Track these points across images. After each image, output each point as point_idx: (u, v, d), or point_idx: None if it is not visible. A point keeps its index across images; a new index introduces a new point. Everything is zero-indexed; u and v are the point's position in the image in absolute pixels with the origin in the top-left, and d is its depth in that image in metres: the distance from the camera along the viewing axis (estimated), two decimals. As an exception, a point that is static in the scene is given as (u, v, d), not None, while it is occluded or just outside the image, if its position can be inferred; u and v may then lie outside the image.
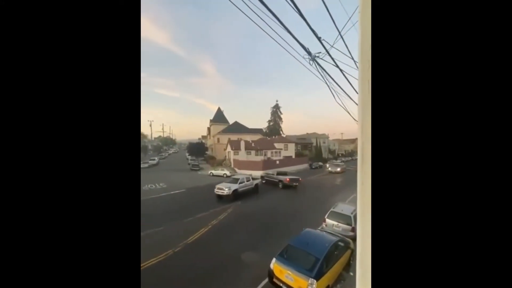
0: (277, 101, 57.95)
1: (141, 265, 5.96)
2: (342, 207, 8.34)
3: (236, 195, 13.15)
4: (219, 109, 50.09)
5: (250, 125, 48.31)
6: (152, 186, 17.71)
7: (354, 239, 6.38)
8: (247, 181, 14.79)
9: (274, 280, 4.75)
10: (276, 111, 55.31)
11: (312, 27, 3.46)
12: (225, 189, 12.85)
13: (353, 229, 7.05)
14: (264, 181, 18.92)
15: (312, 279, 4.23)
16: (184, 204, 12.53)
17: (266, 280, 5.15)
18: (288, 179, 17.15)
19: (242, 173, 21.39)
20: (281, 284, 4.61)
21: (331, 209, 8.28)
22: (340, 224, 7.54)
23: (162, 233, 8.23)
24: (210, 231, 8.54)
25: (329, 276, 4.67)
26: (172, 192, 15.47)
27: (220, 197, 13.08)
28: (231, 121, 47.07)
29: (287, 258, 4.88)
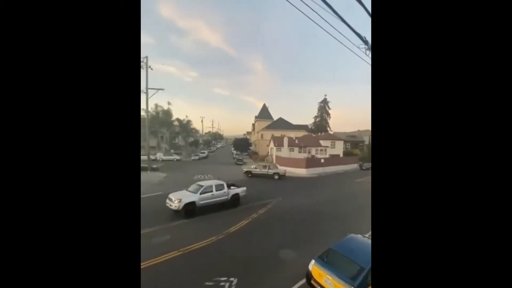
0: (325, 95, 53.54)
1: (187, 248, 6.58)
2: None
3: (189, 211, 8.95)
4: (264, 105, 50.66)
5: (295, 121, 47.03)
6: (201, 176, 19.44)
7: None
8: (219, 190, 10.12)
9: (312, 282, 4.60)
10: (323, 106, 52.03)
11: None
12: (174, 200, 8.92)
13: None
14: (250, 175, 19.81)
15: None
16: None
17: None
18: (284, 172, 19.01)
19: (259, 171, 21.01)
20: (318, 287, 4.42)
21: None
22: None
23: (207, 220, 8.90)
24: (250, 223, 8.74)
25: None
26: (217, 184, 16.59)
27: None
28: (276, 118, 46.89)
29: (327, 262, 4.63)
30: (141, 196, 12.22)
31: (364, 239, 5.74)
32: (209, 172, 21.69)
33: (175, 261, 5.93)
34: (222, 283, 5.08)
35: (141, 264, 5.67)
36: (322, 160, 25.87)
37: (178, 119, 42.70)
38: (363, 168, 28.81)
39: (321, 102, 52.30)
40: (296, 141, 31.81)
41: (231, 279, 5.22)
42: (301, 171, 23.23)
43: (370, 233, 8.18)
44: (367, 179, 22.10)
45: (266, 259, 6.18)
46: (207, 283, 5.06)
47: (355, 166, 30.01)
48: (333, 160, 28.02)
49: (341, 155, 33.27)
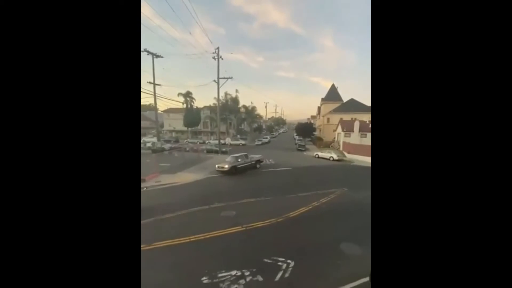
0: None
1: (249, 225, 7.14)
2: None
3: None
4: (333, 85, 46.06)
5: (370, 102, 40.64)
6: (264, 161, 20.29)
7: None
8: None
9: None
10: (409, 82, 41.88)
11: None
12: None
13: None
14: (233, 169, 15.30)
15: None
16: (287, 181, 13.29)
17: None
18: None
19: (353, 158, 18.80)
20: None
21: None
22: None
23: (268, 203, 9.31)
24: (310, 211, 8.50)
25: None
26: (278, 169, 16.92)
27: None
28: (346, 99, 41.89)
29: None
30: (213, 176, 14.12)
31: None
32: (271, 157, 22.28)
33: (238, 235, 6.57)
34: (279, 263, 5.24)
35: (210, 233, 6.65)
36: (405, 149, 21.33)
37: (244, 106, 45.54)
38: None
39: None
40: (370, 126, 27.49)
41: (288, 261, 5.31)
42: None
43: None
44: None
45: (325, 249, 5.88)
46: (265, 260, 5.35)
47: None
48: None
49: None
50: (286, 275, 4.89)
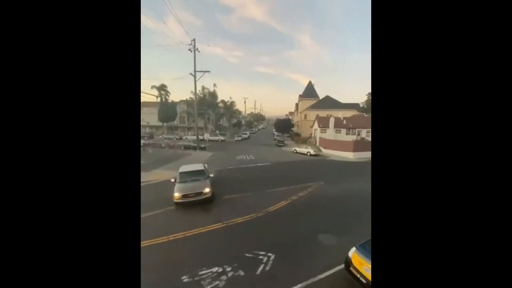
0: None
1: (232, 221, 7.12)
2: None
3: None
4: (309, 83, 47.47)
5: (344, 99, 42.87)
6: (243, 157, 20.31)
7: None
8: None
9: (351, 269, 4.54)
10: (379, 82, 44.96)
11: None
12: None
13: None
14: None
15: None
16: (266, 177, 13.52)
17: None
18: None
19: (328, 153, 19.76)
20: (358, 275, 4.36)
21: None
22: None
23: (249, 198, 9.37)
24: (289, 204, 8.77)
25: None
26: (258, 164, 17.09)
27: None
28: (322, 96, 43.57)
29: (370, 251, 4.36)
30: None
31: None
32: (251, 153, 22.39)
33: (219, 232, 6.54)
34: (260, 257, 5.35)
35: (190, 231, 6.50)
36: (374, 143, 23.13)
37: (222, 101, 44.68)
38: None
39: (376, 77, 45.21)
40: (344, 122, 29.14)
41: (269, 254, 5.44)
42: (348, 155, 21.49)
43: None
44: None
45: (303, 241, 6.15)
46: (247, 255, 5.42)
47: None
48: (388, 143, 24.67)
49: (399, 138, 28.94)
50: (267, 268, 5.02)
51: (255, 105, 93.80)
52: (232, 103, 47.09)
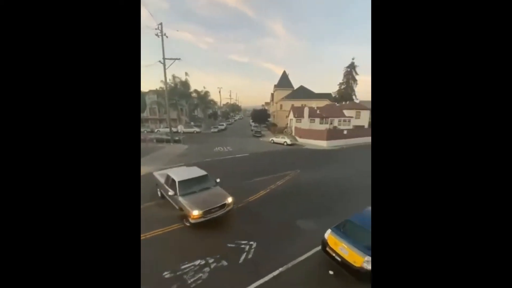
0: (353, 59, 46.83)
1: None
2: None
3: None
4: (284, 73, 47.69)
5: (318, 89, 44.13)
6: (221, 148, 20.00)
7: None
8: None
9: (327, 249, 4.86)
10: (350, 72, 46.95)
11: None
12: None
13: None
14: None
15: (369, 257, 4.08)
16: (245, 168, 13.58)
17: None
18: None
19: (304, 142, 20.47)
20: (334, 255, 4.68)
21: None
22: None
23: (228, 190, 9.35)
24: (268, 194, 9.00)
25: None
26: (237, 156, 17.03)
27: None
28: (297, 86, 44.32)
29: (344, 232, 4.82)
30: (165, 167, 13.12)
31: None
32: (228, 145, 22.16)
33: (199, 225, 6.45)
34: (242, 246, 5.46)
35: (169, 227, 6.29)
36: (345, 132, 24.69)
37: (196, 91, 42.71)
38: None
39: (347, 67, 47.03)
40: (318, 111, 30.35)
41: (251, 242, 5.58)
42: (322, 143, 22.62)
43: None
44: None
45: (283, 227, 6.42)
46: (229, 245, 5.48)
47: (380, 137, 28.16)
48: (357, 131, 26.57)
49: (367, 126, 31.33)
50: (250, 256, 5.16)
51: (230, 95, 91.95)
52: (206, 93, 45.40)
